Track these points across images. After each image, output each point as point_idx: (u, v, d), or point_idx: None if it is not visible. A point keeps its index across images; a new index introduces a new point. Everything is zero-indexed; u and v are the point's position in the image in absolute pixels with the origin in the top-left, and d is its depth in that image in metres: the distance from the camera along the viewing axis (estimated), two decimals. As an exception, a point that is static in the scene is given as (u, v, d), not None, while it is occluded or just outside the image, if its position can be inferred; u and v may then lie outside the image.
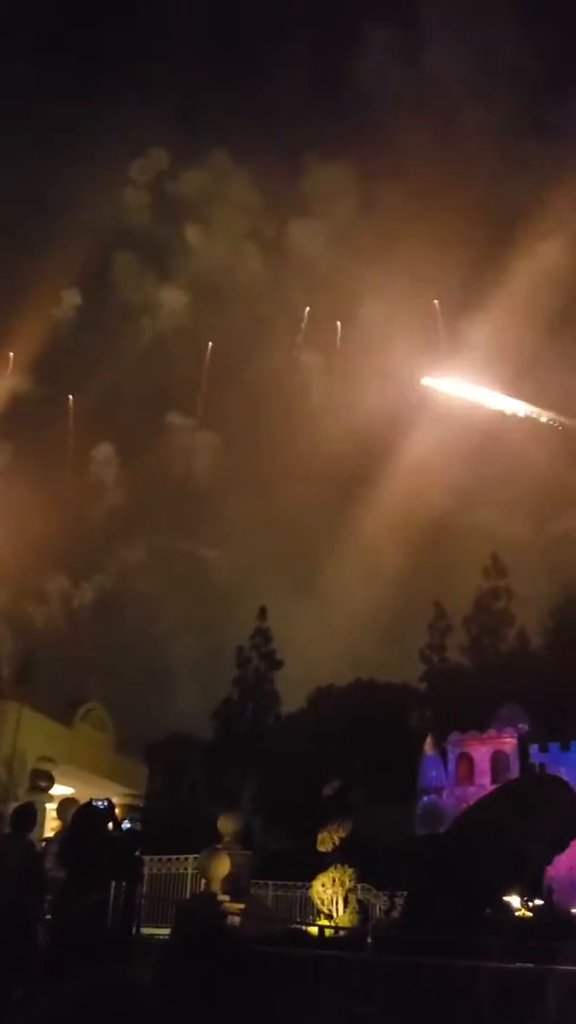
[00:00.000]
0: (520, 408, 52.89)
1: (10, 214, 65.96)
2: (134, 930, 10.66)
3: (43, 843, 15.21)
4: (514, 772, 39.70)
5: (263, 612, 67.02)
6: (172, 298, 60.08)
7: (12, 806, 13.00)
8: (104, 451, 57.01)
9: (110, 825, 9.98)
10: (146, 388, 62.47)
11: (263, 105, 78.72)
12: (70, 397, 55.81)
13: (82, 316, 60.32)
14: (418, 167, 66.07)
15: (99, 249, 64.72)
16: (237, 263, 66.43)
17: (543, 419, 52.49)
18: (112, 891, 9.26)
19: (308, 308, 52.36)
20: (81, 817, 9.88)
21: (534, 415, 52.57)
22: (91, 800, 10.37)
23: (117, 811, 10.94)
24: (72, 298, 59.70)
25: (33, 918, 8.55)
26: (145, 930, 14.33)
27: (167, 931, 15.81)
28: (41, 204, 70.14)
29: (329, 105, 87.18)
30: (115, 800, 11.89)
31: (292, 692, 66.83)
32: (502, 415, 53.51)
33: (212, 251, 65.78)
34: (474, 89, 78.42)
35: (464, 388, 54.16)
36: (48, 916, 8.63)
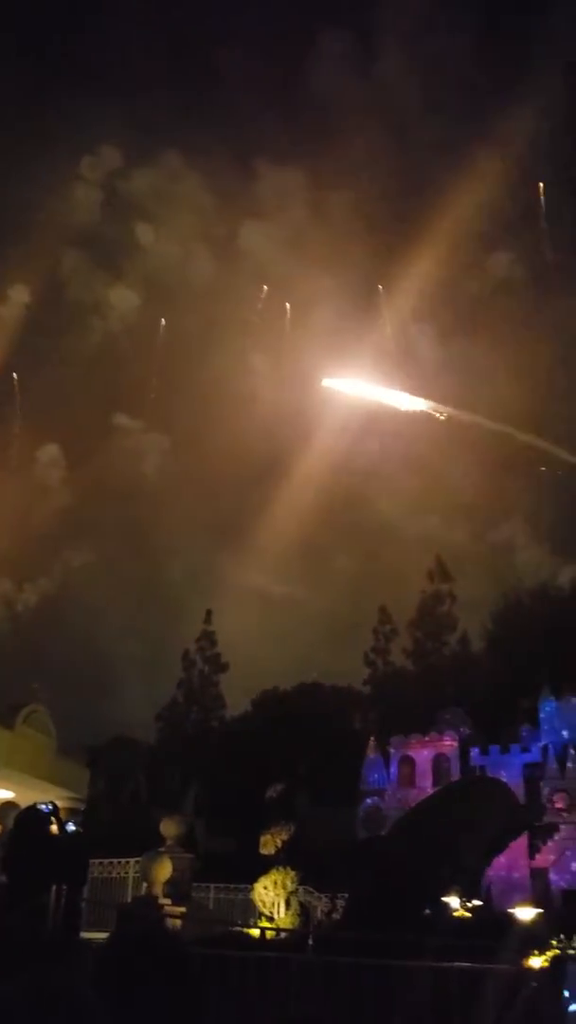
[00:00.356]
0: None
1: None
2: (75, 933, 10.60)
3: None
4: (455, 775, 40.15)
5: (208, 615, 66.92)
6: (123, 298, 59.44)
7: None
8: (50, 452, 56.22)
9: (54, 827, 9.92)
10: (95, 389, 61.99)
11: (216, 107, 78.80)
12: (16, 397, 55.06)
13: (30, 315, 59.48)
14: (367, 174, 66.67)
15: (49, 246, 64.05)
16: (188, 264, 66.17)
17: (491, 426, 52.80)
18: (53, 894, 9.21)
19: (259, 307, 52.16)
20: (25, 820, 9.80)
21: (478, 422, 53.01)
22: (35, 803, 10.29)
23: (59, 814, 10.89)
24: (20, 296, 58.83)
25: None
26: (86, 934, 14.23)
27: (108, 934, 15.74)
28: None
29: (282, 110, 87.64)
30: (50, 802, 11.79)
31: (237, 695, 66.85)
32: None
33: (164, 251, 65.38)
34: (424, 98, 79.43)
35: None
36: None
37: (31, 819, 9.80)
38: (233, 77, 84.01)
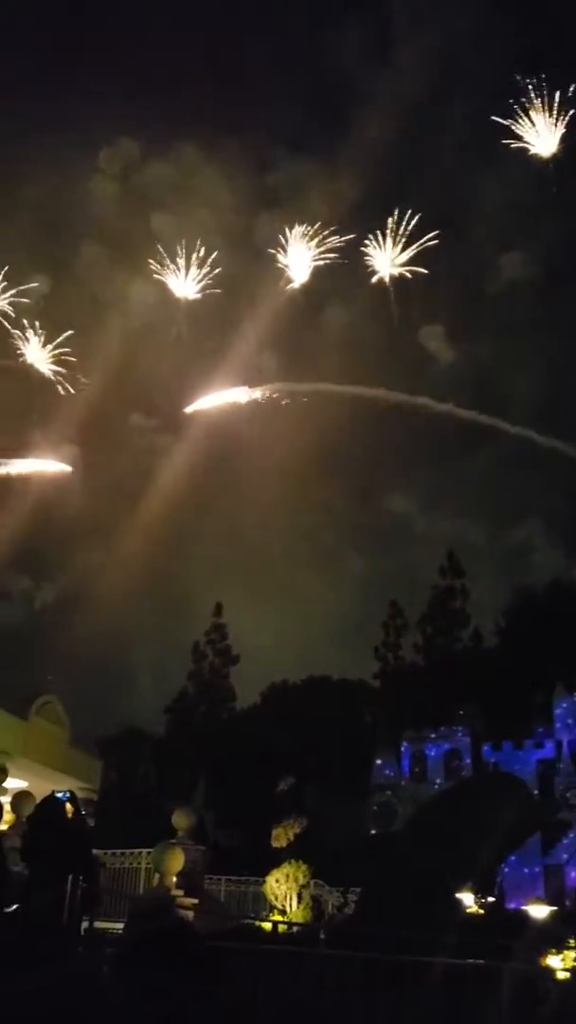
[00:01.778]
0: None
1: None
2: (90, 924, 10.55)
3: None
4: (467, 770, 40.07)
5: (219, 608, 66.94)
6: (140, 292, 58.76)
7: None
8: (67, 451, 55.80)
9: (69, 811, 9.85)
10: (111, 386, 61.71)
11: (233, 98, 78.55)
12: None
13: (49, 307, 59.01)
14: (384, 163, 66.26)
15: (67, 239, 63.79)
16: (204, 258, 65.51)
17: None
18: (70, 885, 9.16)
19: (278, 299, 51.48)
20: (44, 809, 9.74)
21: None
22: (53, 792, 10.23)
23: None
24: (40, 287, 58.24)
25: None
26: (99, 923, 14.22)
27: (121, 925, 15.71)
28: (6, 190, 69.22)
29: (298, 100, 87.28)
30: (69, 790, 11.72)
31: (247, 688, 66.92)
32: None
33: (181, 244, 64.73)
34: (442, 86, 78.96)
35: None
36: (9, 909, 8.51)
37: (50, 808, 9.74)
38: (249, 68, 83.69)
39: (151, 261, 47.90)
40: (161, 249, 47.95)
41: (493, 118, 42.54)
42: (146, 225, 63.59)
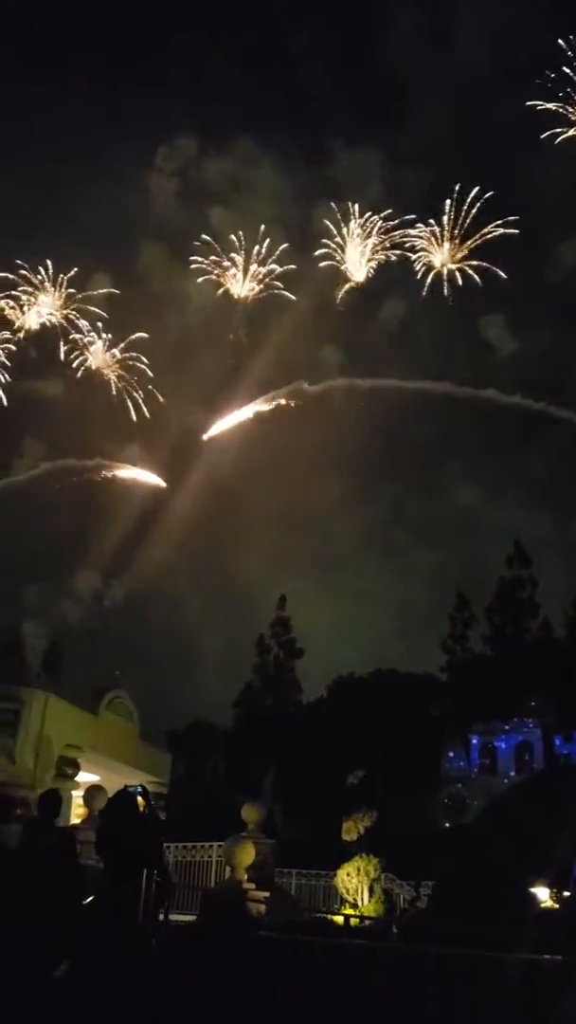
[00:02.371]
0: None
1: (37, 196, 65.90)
2: (165, 917, 10.60)
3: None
4: (538, 763, 39.54)
5: (283, 601, 67.14)
6: (199, 289, 58.56)
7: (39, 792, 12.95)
8: (132, 454, 55.95)
9: (141, 805, 9.89)
10: (172, 384, 61.85)
11: (289, 91, 78.24)
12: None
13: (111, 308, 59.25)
14: (441, 152, 65.37)
15: (127, 239, 64.08)
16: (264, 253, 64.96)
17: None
18: (145, 878, 9.20)
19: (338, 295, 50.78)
20: (117, 803, 9.80)
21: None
22: (125, 786, 10.30)
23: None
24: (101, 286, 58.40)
25: (65, 903, 8.46)
26: (173, 916, 14.33)
27: (192, 918, 15.80)
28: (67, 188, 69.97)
29: (355, 90, 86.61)
30: (141, 784, 11.79)
31: (312, 682, 66.99)
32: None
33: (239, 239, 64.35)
34: (501, 74, 77.68)
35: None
36: (84, 902, 8.58)
37: (123, 801, 9.79)
38: (303, 58, 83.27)
39: (204, 261, 47.89)
40: (219, 247, 47.97)
41: (553, 105, 41.68)
42: (205, 221, 63.51)
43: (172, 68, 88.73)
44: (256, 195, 66.02)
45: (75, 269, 47.24)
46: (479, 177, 44.40)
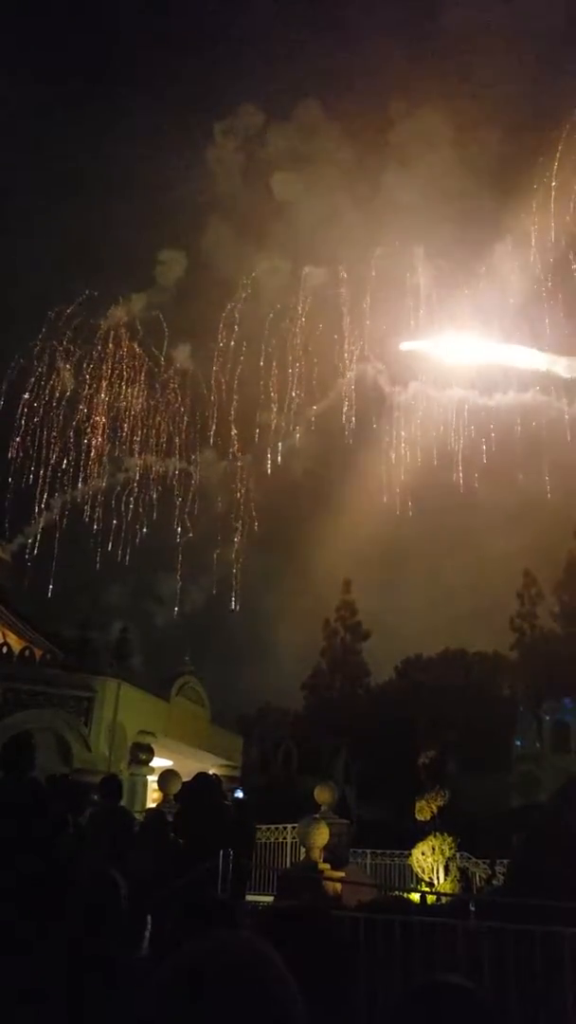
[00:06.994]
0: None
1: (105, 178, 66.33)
2: (242, 897, 10.77)
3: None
4: (612, 739, 38.99)
5: (347, 585, 67.11)
6: (269, 268, 56.87)
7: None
8: (206, 456, 55.80)
9: (221, 794, 10.07)
10: (236, 373, 61.64)
11: (351, 55, 76.95)
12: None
13: (180, 291, 58.63)
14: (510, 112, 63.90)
15: (193, 218, 63.48)
16: (333, 223, 63.05)
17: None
18: (221, 859, 9.34)
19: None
20: (196, 785, 9.97)
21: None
22: (204, 772, 10.49)
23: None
24: (173, 271, 57.46)
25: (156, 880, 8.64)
26: (249, 897, 14.52)
27: (270, 899, 15.99)
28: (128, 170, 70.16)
29: (416, 52, 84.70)
30: (214, 771, 11.99)
31: (380, 664, 66.87)
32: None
33: (307, 211, 62.81)
34: (568, 22, 75.47)
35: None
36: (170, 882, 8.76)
37: (202, 784, 9.96)
38: (365, 22, 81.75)
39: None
40: (286, 224, 47.51)
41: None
42: (270, 194, 62.28)
43: (229, 38, 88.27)
44: (321, 161, 63.86)
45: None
46: (553, 138, 43.09)
